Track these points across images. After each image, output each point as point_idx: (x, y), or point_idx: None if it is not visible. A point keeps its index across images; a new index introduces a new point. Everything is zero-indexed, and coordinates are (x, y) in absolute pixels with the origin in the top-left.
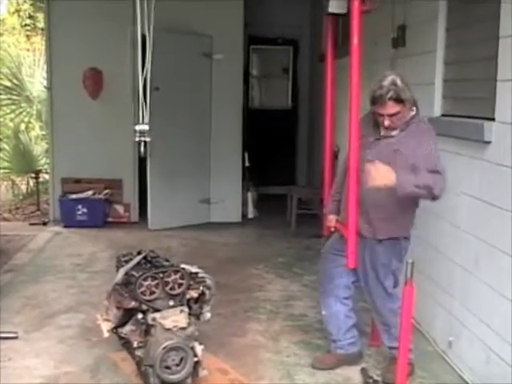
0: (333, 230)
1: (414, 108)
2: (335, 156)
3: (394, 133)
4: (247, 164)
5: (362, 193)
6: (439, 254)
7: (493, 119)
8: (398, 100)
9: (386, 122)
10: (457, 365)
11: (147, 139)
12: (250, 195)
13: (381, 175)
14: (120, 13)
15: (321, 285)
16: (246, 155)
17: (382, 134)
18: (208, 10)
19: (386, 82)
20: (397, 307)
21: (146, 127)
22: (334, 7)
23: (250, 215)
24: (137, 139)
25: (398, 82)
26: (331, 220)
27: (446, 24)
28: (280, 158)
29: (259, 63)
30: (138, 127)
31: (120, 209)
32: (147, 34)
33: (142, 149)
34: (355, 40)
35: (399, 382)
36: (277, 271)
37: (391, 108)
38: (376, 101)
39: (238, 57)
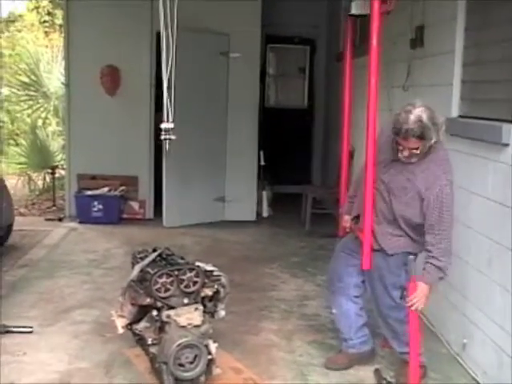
0: (348, 230)
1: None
2: (351, 156)
3: (413, 160)
4: (262, 163)
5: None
6: (453, 254)
7: (511, 121)
8: (421, 137)
9: (405, 153)
10: (471, 367)
11: (172, 137)
12: (264, 194)
13: (423, 297)
14: (138, 11)
15: (331, 283)
16: (262, 154)
17: (399, 155)
18: (225, 9)
19: (413, 117)
20: (403, 316)
21: (171, 125)
22: (356, 8)
23: (265, 214)
24: (162, 137)
25: (424, 118)
26: (347, 220)
27: (465, 25)
28: (295, 157)
29: (276, 62)
30: (163, 125)
31: (135, 205)
32: (162, 33)
33: (168, 146)
34: (374, 41)
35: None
36: (291, 270)
37: (413, 143)
38: (399, 133)
39: (254, 55)
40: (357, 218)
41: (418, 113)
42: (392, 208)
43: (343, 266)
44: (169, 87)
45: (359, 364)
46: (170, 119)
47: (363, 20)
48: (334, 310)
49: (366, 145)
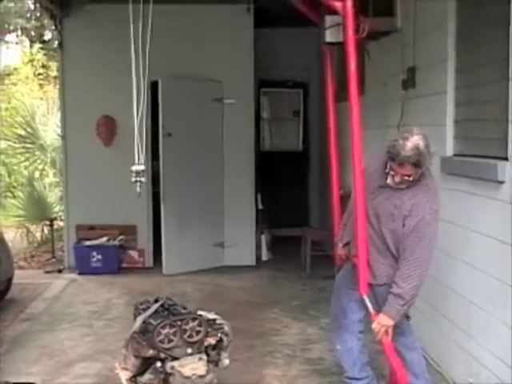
0: (344, 257)
1: None
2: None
3: (403, 186)
4: (260, 207)
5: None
6: (456, 294)
7: (506, 159)
8: (417, 165)
9: (397, 179)
10: None
11: (143, 179)
12: (263, 238)
13: (381, 327)
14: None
15: (335, 319)
16: (259, 197)
17: (387, 182)
18: (219, 56)
19: (410, 145)
20: (409, 342)
21: (142, 167)
22: (330, 37)
23: (264, 258)
24: (133, 179)
25: (421, 146)
26: (341, 247)
27: (456, 65)
28: (292, 199)
29: (270, 106)
30: (134, 168)
31: (134, 254)
32: (133, 79)
33: (138, 189)
34: (352, 66)
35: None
36: (293, 314)
37: (407, 170)
38: (395, 159)
39: (248, 101)
40: (347, 245)
41: (416, 141)
42: (382, 235)
43: (346, 301)
44: (140, 131)
45: None
46: (141, 161)
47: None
48: (338, 347)
49: (354, 171)
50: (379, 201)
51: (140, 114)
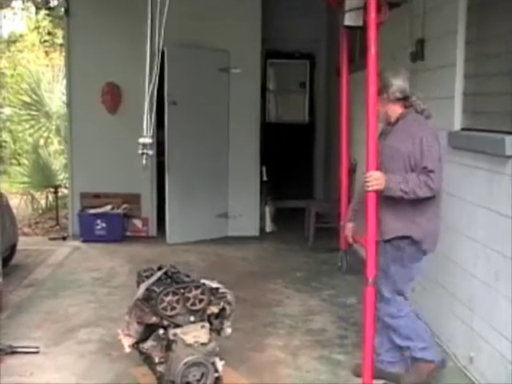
0: (351, 240)
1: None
2: (353, 170)
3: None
4: (265, 178)
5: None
6: (459, 268)
7: None
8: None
9: None
10: (479, 381)
11: (150, 152)
12: (267, 209)
13: (373, 181)
14: (137, 28)
15: None
16: (264, 169)
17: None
18: (226, 26)
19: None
20: (395, 311)
21: (149, 140)
22: (349, 20)
23: (268, 229)
24: (140, 152)
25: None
26: (349, 228)
27: (466, 38)
28: (297, 171)
29: (276, 77)
30: (141, 140)
31: (138, 223)
32: (147, 49)
33: (144, 161)
34: (372, 50)
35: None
36: (295, 286)
37: None
38: None
39: (255, 71)
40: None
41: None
42: None
43: None
44: (151, 102)
45: (385, 380)
46: (149, 134)
47: (362, 34)
48: None
49: (367, 152)
50: (380, 148)
51: (152, 83)
